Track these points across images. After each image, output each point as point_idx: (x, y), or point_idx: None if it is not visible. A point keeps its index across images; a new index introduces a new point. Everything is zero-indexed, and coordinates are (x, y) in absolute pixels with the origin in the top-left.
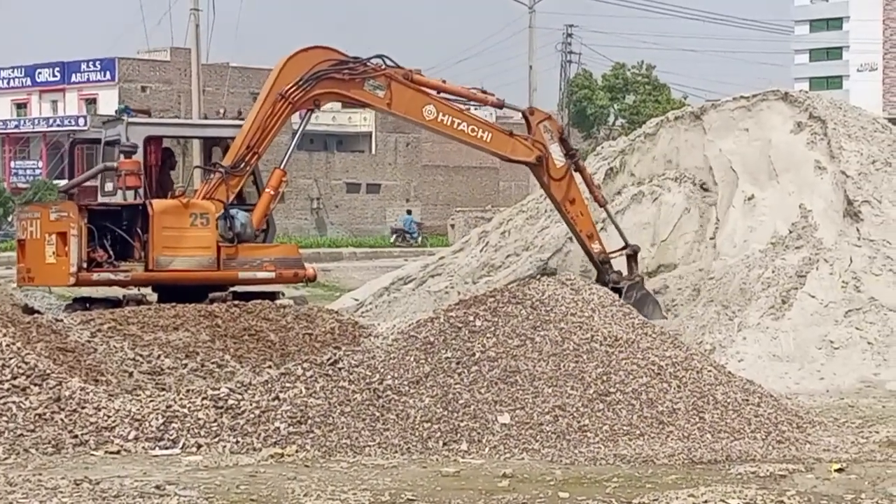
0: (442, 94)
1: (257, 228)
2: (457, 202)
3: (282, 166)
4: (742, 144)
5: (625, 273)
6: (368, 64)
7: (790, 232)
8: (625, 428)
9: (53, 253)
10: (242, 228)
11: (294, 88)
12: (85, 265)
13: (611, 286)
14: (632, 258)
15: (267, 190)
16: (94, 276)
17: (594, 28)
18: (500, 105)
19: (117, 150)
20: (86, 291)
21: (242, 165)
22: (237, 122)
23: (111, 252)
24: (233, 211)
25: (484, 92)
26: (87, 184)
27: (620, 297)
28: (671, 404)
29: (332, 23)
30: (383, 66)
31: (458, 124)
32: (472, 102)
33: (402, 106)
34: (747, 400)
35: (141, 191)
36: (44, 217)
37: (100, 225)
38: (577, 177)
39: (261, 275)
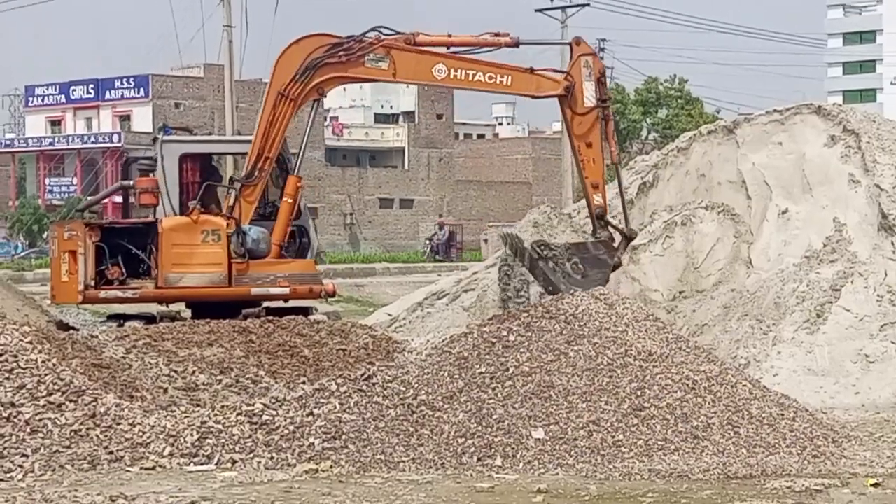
0: (452, 50)
1: (282, 240)
2: (490, 217)
3: (295, 172)
4: (775, 158)
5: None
6: (364, 39)
7: (824, 246)
8: (659, 443)
9: (67, 271)
10: (255, 244)
11: (291, 84)
12: (93, 283)
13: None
14: (624, 240)
15: (284, 199)
16: (102, 294)
17: (626, 42)
18: (515, 44)
19: (158, 166)
20: (119, 308)
21: (256, 174)
22: None
23: (125, 269)
24: (245, 227)
25: (497, 35)
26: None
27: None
28: (706, 419)
29: None
30: (380, 38)
31: (474, 75)
32: (484, 50)
33: (408, 72)
34: (782, 414)
35: (174, 207)
36: (59, 236)
37: (114, 243)
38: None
39: (274, 291)
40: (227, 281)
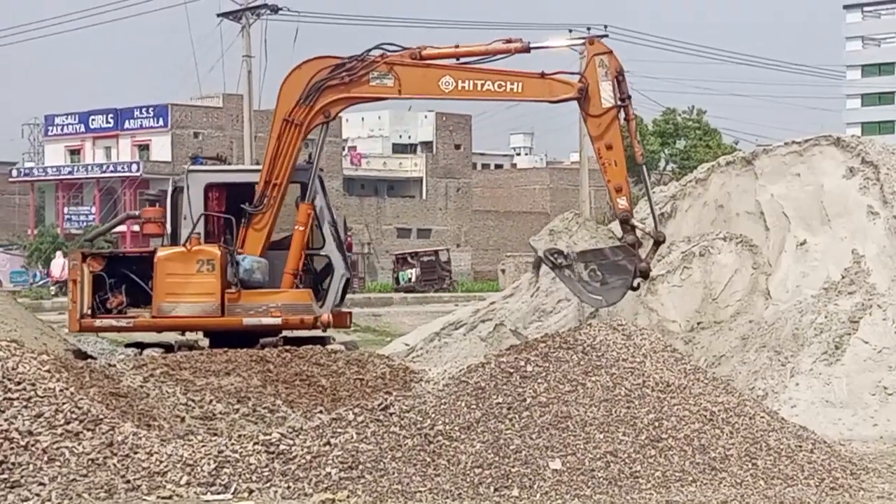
0: (462, 60)
1: (296, 269)
2: (507, 247)
3: (307, 200)
4: (794, 189)
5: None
6: (367, 58)
7: (843, 277)
8: (677, 474)
9: (70, 299)
10: (247, 274)
11: (296, 109)
12: (89, 312)
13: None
14: (654, 245)
15: (296, 227)
16: (97, 323)
17: (644, 73)
18: (526, 49)
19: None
20: (138, 336)
21: (265, 201)
22: (301, 165)
23: (126, 299)
24: (240, 256)
25: (509, 41)
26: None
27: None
28: (723, 451)
29: None
30: (383, 55)
31: (483, 85)
32: (497, 58)
33: (413, 87)
34: (800, 446)
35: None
36: (68, 265)
37: (116, 272)
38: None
39: (266, 321)
40: (220, 311)
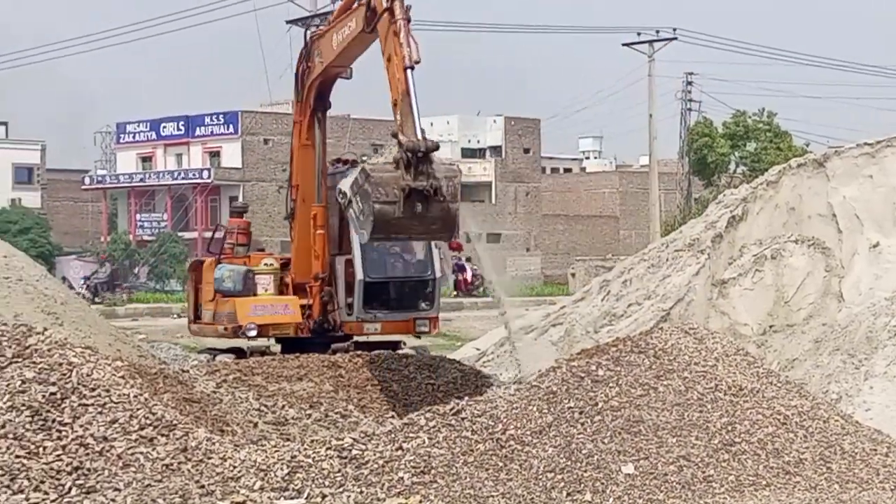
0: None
1: (317, 272)
2: (577, 251)
3: (319, 202)
4: (866, 191)
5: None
6: (309, 39)
7: None
8: (750, 478)
9: None
10: (217, 283)
11: (297, 108)
12: (192, 318)
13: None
14: (408, 155)
15: (315, 231)
16: (193, 328)
17: (714, 75)
18: None
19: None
20: (208, 342)
21: (292, 206)
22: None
23: None
24: (219, 265)
25: None
26: None
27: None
28: (797, 454)
29: (452, 74)
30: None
31: (344, 31)
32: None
33: (326, 55)
34: (875, 450)
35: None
36: None
37: None
38: None
39: (220, 329)
40: (213, 317)
